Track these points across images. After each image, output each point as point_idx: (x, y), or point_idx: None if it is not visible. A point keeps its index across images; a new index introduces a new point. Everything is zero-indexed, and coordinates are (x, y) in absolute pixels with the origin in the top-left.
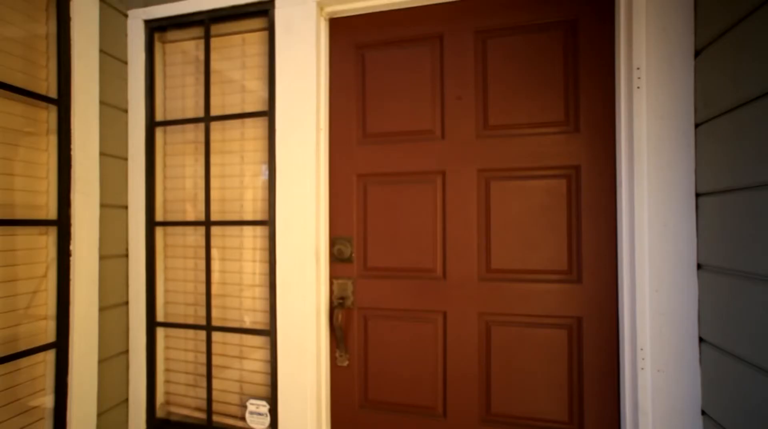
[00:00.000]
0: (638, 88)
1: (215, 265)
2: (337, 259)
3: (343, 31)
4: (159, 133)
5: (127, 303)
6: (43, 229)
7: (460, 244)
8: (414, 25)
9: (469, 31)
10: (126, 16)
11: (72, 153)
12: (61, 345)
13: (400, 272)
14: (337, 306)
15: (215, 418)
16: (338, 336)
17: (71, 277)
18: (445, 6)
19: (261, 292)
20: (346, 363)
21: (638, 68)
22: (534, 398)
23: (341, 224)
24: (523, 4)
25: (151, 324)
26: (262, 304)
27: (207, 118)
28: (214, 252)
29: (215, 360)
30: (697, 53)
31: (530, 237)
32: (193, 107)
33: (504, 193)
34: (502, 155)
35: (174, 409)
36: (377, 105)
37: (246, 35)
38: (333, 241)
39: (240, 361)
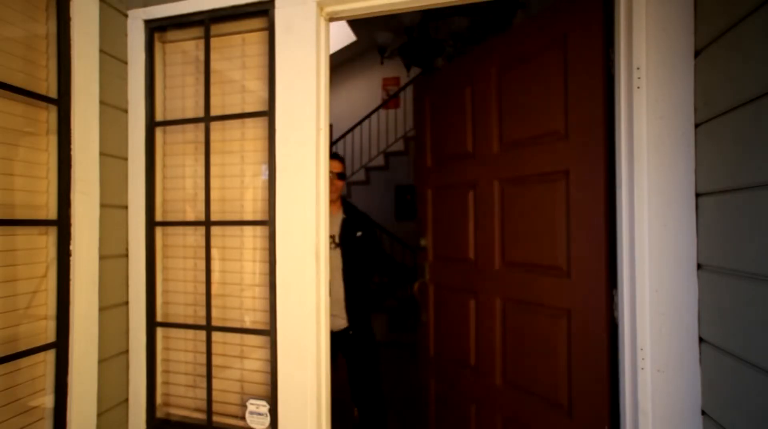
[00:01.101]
0: (638, 88)
1: (215, 265)
2: (419, 248)
3: (422, 88)
4: (159, 133)
5: (127, 303)
6: (43, 229)
7: (485, 240)
8: (456, 76)
9: (490, 69)
10: (126, 16)
11: (72, 153)
12: (61, 345)
13: (452, 259)
14: (417, 280)
15: (215, 418)
16: (417, 300)
17: (71, 277)
18: (475, 54)
19: (261, 292)
20: (425, 319)
21: (638, 68)
22: (535, 376)
23: (422, 224)
24: (525, 33)
25: (151, 324)
26: (262, 304)
27: (207, 118)
28: (214, 252)
29: (215, 360)
30: (697, 53)
31: (531, 235)
32: (193, 107)
33: (512, 198)
34: (513, 166)
35: (174, 410)
36: (438, 137)
37: (246, 35)
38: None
39: (240, 360)
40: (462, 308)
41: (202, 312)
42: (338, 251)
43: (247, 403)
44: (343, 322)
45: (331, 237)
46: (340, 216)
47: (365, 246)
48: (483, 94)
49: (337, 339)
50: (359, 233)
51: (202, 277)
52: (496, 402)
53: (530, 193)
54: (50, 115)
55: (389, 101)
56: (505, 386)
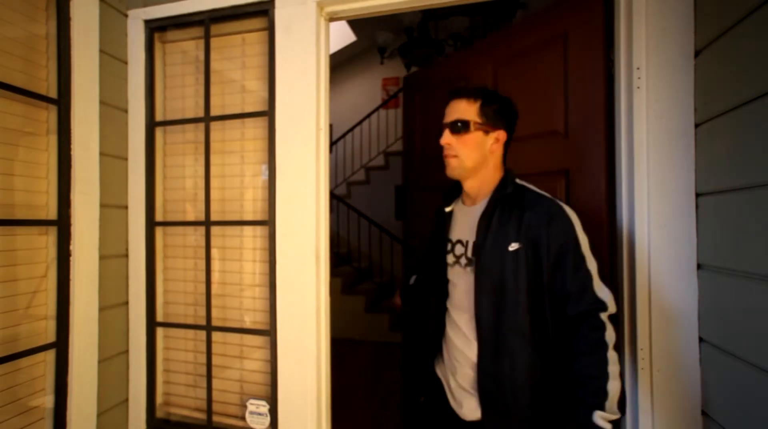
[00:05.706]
0: (638, 88)
1: (215, 265)
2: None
3: (412, 84)
4: (159, 133)
5: (127, 303)
6: (43, 229)
7: None
8: (450, 73)
9: (486, 66)
10: (126, 16)
11: (72, 153)
12: (61, 345)
13: None
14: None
15: (215, 418)
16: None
17: (71, 277)
18: (471, 50)
19: (261, 292)
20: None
21: (638, 68)
22: None
23: (411, 225)
24: (525, 30)
25: (151, 324)
26: (262, 304)
27: (207, 118)
28: (214, 252)
29: (215, 360)
30: (697, 53)
31: None
32: (193, 107)
33: None
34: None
35: (174, 410)
36: (428, 132)
37: (246, 35)
38: None
39: (240, 361)
40: None
41: (202, 312)
42: (470, 273)
43: (247, 403)
44: (470, 406)
45: (460, 243)
46: (480, 207)
47: (527, 273)
48: None
49: None
50: (514, 246)
51: (202, 277)
52: None
53: None
54: (50, 115)
55: (389, 101)
56: None
